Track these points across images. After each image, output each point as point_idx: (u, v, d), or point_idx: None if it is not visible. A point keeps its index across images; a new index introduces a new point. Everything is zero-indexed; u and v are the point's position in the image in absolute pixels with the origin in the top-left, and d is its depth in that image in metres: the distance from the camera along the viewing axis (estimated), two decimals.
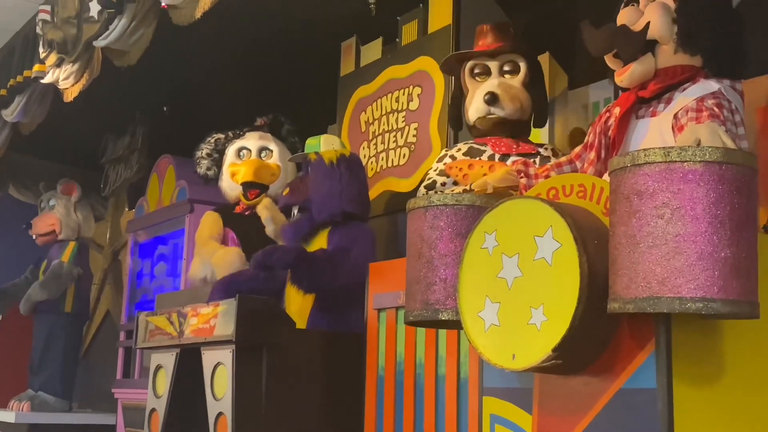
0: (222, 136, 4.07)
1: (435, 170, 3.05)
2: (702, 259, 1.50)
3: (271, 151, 4.06)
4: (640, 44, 2.05)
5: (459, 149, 3.05)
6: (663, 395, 1.63)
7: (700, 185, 1.52)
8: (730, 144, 1.66)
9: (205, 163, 4.01)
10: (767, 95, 2.49)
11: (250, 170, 3.94)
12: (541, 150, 2.93)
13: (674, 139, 1.99)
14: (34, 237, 5.99)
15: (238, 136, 4.07)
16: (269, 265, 3.07)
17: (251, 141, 4.05)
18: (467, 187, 2.66)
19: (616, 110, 2.17)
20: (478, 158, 2.97)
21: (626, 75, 2.08)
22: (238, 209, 3.95)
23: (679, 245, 1.51)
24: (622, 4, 2.15)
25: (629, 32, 2.05)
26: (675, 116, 2.01)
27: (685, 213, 1.51)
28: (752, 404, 1.77)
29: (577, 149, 2.28)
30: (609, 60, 2.13)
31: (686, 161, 1.53)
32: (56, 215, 5.94)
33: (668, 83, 2.06)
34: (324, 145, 3.40)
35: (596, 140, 2.20)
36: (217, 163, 4.04)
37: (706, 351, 1.71)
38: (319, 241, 3.29)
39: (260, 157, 4.03)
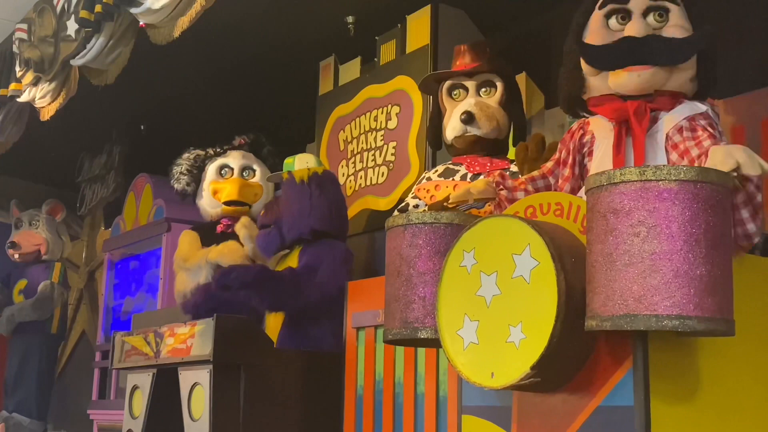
0: (202, 152, 4.05)
1: (411, 193, 3.10)
2: (678, 276, 1.51)
3: (254, 170, 4.06)
4: (688, 53, 2.04)
5: (436, 170, 3.09)
6: (640, 413, 1.64)
7: (676, 204, 1.54)
8: (766, 166, 1.69)
9: (184, 179, 3.99)
10: None
11: (235, 189, 3.94)
12: (512, 166, 2.95)
13: (667, 157, 2.01)
14: (16, 256, 5.94)
15: (218, 154, 4.06)
16: (227, 285, 3.02)
17: (234, 159, 4.05)
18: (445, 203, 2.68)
19: (591, 127, 2.18)
20: (451, 178, 2.99)
21: (650, 72, 2.03)
22: (219, 228, 3.93)
23: (655, 263, 1.52)
24: (604, 18, 2.14)
25: (674, 39, 2.03)
26: (667, 135, 2.03)
27: (661, 231, 1.53)
28: (728, 421, 1.78)
29: (549, 164, 2.29)
30: (592, 70, 2.12)
31: (661, 180, 1.54)
32: (42, 235, 5.91)
33: (662, 109, 2.07)
34: (298, 164, 3.40)
35: (570, 157, 2.21)
36: (196, 179, 4.02)
37: (682, 368, 1.72)
38: (291, 260, 3.29)
39: (243, 176, 4.03)
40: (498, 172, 2.40)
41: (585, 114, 2.25)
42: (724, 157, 1.72)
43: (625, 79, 2.08)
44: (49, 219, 5.98)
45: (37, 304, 5.64)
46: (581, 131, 2.22)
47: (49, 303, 5.70)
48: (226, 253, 3.68)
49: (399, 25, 3.67)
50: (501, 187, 2.25)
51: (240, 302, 3.09)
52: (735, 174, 1.70)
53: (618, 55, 2.07)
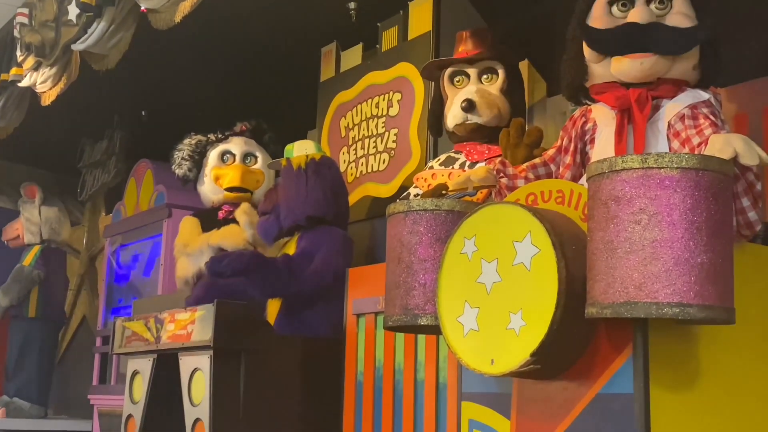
0: (203, 138, 4.04)
1: (414, 183, 3.11)
2: (678, 264, 1.51)
3: (256, 157, 4.05)
4: (691, 43, 2.04)
5: (438, 159, 3.10)
6: (640, 400, 1.64)
7: (677, 191, 1.53)
8: (764, 156, 1.69)
9: (186, 164, 3.98)
10: None
11: (237, 175, 3.93)
12: None
13: (669, 145, 2.00)
14: (5, 243, 5.96)
15: (220, 140, 4.05)
16: (219, 272, 3.00)
17: (236, 146, 4.04)
18: (445, 192, 2.69)
19: (593, 114, 2.18)
20: (451, 167, 3.00)
21: (653, 59, 2.03)
22: (221, 214, 3.93)
23: (656, 251, 1.52)
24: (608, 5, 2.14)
25: (678, 29, 2.03)
26: (669, 123, 2.02)
27: (662, 219, 1.53)
28: (728, 409, 1.78)
29: (551, 152, 2.29)
30: (594, 57, 2.11)
31: (663, 168, 1.54)
32: (21, 220, 5.91)
33: (664, 97, 2.07)
34: (297, 151, 3.39)
35: (572, 144, 2.21)
36: (198, 165, 4.01)
37: (682, 356, 1.72)
38: (290, 247, 3.29)
39: (245, 162, 4.02)
40: (499, 159, 2.40)
41: (587, 101, 2.24)
42: (722, 145, 1.72)
43: (627, 66, 2.07)
44: (29, 202, 5.96)
45: (5, 288, 5.64)
46: (583, 119, 2.21)
47: (16, 286, 5.65)
48: (228, 237, 3.68)
49: (401, 11, 3.66)
50: (501, 174, 2.24)
51: (242, 291, 3.09)
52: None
53: (620, 39, 2.07)
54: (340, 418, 2.77)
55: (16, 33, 4.80)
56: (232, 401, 2.79)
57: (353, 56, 3.94)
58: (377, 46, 3.80)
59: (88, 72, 4.31)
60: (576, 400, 1.73)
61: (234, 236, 3.68)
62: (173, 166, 4.02)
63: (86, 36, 4.12)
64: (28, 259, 5.77)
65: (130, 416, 3.20)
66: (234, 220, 3.83)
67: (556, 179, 2.18)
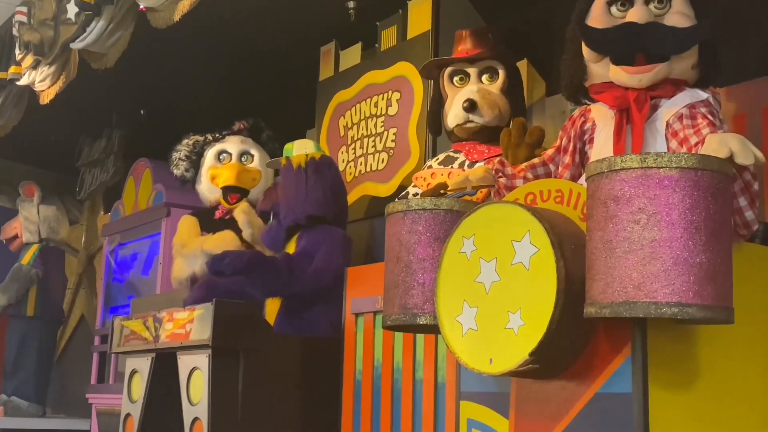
0: (200, 138, 4.05)
1: (413, 182, 3.12)
2: (677, 264, 1.51)
3: (252, 155, 4.06)
4: (690, 43, 2.04)
5: (437, 159, 3.10)
6: (638, 400, 1.64)
7: (676, 191, 1.53)
8: (759, 155, 1.69)
9: (183, 164, 3.99)
10: None
11: (233, 174, 3.94)
12: None
13: (667, 145, 2.01)
14: (4, 242, 5.96)
15: (217, 140, 4.06)
16: (220, 271, 2.99)
17: (232, 145, 4.04)
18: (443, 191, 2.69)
19: (592, 114, 2.18)
20: (450, 166, 3.00)
21: (651, 74, 2.04)
22: (218, 214, 3.93)
23: (655, 250, 1.52)
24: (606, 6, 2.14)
25: (677, 29, 2.03)
26: (667, 123, 2.03)
27: (661, 218, 1.53)
28: (726, 409, 1.78)
29: (550, 152, 2.29)
30: (593, 56, 2.12)
31: (662, 167, 1.54)
32: (19, 219, 5.91)
33: (663, 97, 2.07)
34: (296, 150, 3.40)
35: (571, 144, 2.21)
36: (195, 165, 4.02)
37: (681, 356, 1.72)
38: (290, 246, 3.29)
39: (241, 161, 4.03)
40: (498, 159, 2.40)
41: (586, 101, 2.24)
42: (718, 145, 1.72)
43: (625, 79, 2.08)
44: (28, 201, 5.96)
45: (3, 288, 5.64)
46: (582, 118, 2.21)
47: (15, 284, 5.66)
48: (221, 244, 3.67)
49: (400, 10, 3.66)
50: (500, 174, 2.24)
51: (240, 292, 3.08)
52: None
53: (619, 39, 2.07)
54: (339, 417, 2.77)
55: (14, 31, 4.80)
56: (231, 400, 2.79)
57: (352, 55, 3.94)
58: (376, 45, 3.80)
59: (86, 70, 4.31)
60: (575, 400, 1.73)
61: (227, 244, 3.67)
62: (171, 167, 4.03)
63: (85, 34, 4.11)
64: (27, 257, 5.76)
65: (128, 415, 3.20)
66: (232, 220, 3.83)
67: (555, 179, 2.18)
